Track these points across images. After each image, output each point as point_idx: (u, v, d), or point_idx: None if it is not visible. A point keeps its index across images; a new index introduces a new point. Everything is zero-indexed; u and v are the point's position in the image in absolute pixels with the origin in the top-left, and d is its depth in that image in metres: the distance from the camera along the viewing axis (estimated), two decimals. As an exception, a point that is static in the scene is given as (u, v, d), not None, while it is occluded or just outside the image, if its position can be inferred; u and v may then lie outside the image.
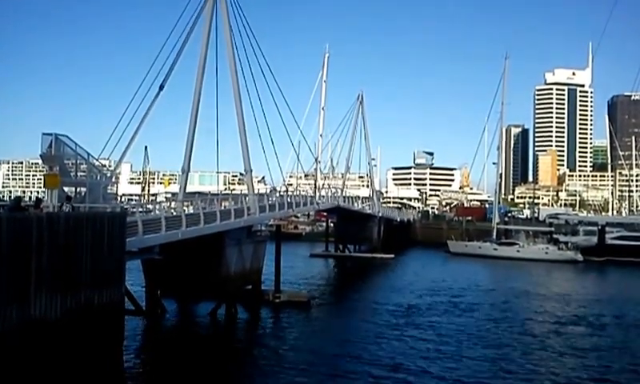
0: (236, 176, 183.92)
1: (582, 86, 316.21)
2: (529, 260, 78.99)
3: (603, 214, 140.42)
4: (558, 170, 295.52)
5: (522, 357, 29.32)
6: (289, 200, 52.47)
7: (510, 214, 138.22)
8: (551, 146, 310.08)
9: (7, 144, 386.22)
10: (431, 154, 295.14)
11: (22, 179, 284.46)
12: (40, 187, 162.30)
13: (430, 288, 51.96)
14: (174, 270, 34.44)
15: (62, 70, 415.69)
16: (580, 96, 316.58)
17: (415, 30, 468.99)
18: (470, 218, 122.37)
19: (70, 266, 21.62)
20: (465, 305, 44.06)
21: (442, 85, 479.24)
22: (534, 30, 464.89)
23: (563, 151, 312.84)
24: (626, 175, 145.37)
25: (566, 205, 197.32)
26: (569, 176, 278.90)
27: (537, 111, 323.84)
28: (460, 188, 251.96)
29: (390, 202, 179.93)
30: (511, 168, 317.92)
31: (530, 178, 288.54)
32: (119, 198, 45.87)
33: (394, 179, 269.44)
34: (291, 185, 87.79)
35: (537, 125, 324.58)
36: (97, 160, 33.33)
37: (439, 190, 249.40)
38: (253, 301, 40.16)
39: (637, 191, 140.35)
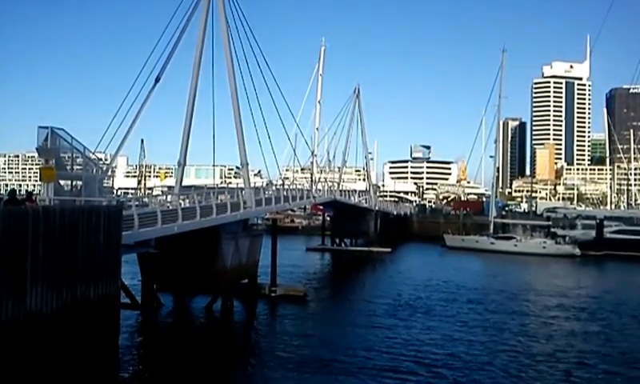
0: (232, 170, 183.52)
1: (580, 79, 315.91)
2: (526, 254, 78.89)
3: (601, 207, 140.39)
4: (556, 163, 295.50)
5: (517, 351, 29.33)
6: (285, 194, 52.35)
7: (507, 208, 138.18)
8: (549, 139, 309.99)
9: (3, 137, 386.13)
10: (428, 147, 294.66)
11: (19, 172, 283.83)
12: (36, 180, 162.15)
13: (426, 282, 51.88)
14: (169, 263, 34.35)
15: (58, 62, 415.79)
16: (578, 89, 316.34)
17: (412, 23, 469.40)
18: (467, 211, 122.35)
19: (66, 260, 21.57)
20: (460, 298, 44.06)
21: (439, 78, 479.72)
22: (532, 23, 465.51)
23: (561, 145, 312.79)
24: (625, 169, 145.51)
25: (563, 199, 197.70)
26: (567, 170, 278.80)
27: (534, 104, 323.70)
28: (457, 182, 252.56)
29: (386, 196, 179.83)
30: (509, 162, 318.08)
31: (528, 172, 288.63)
32: (115, 192, 45.81)
33: (390, 173, 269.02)
34: (287, 178, 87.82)
35: (534, 118, 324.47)
36: (93, 153, 33.25)
37: (436, 184, 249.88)
38: (249, 295, 40.13)
39: (635, 185, 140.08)
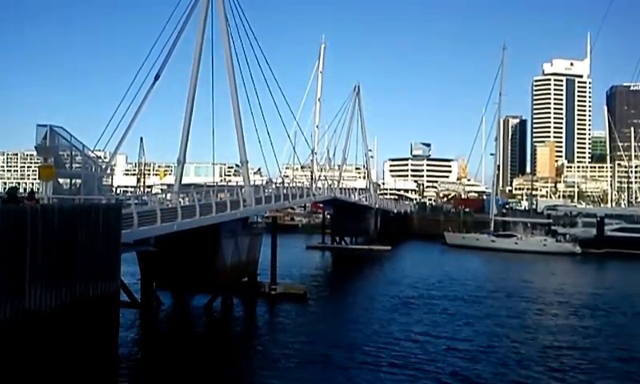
0: (232, 168, 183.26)
1: (581, 76, 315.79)
2: (527, 252, 78.82)
3: (602, 205, 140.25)
4: (557, 161, 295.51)
5: (516, 349, 29.27)
6: (285, 192, 52.29)
7: (507, 206, 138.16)
8: (549, 137, 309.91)
9: (2, 135, 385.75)
10: (428, 145, 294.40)
11: (17, 170, 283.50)
12: (35, 179, 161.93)
13: (426, 280, 51.79)
14: (169, 262, 34.27)
15: (57, 60, 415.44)
16: (578, 87, 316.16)
17: (412, 20, 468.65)
18: (467, 209, 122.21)
19: (65, 258, 21.44)
20: (461, 296, 44.00)
21: (439, 76, 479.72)
22: (532, 20, 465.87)
23: (561, 142, 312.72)
24: (625, 166, 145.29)
25: (564, 196, 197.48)
26: (567, 167, 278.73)
27: (535, 102, 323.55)
28: (457, 179, 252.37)
29: (386, 194, 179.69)
30: (509, 159, 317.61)
31: (528, 170, 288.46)
32: (114, 190, 45.69)
33: (390, 171, 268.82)
34: (287, 176, 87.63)
35: (535, 116, 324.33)
36: (92, 151, 33.14)
37: (436, 182, 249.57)
38: (249, 293, 40.04)
39: (636, 182, 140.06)
